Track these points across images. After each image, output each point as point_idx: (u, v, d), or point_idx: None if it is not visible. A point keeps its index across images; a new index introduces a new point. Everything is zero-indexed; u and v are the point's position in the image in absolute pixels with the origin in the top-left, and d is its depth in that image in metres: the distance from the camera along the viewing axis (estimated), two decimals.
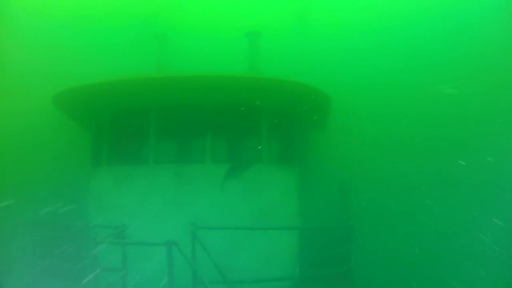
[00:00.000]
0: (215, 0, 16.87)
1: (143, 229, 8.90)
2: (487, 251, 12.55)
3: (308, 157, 12.80)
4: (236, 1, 16.77)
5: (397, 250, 12.89)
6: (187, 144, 10.37)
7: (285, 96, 10.12)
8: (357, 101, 14.61)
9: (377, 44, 16.19)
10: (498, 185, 13.16)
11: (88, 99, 10.13)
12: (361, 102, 14.74)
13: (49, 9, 16.61)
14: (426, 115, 14.57)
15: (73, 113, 11.30)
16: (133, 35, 15.65)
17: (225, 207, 9.28)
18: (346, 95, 13.82)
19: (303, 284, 9.04)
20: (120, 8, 16.74)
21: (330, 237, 9.99)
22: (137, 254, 7.72)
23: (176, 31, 15.09)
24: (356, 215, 10.87)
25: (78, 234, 9.00)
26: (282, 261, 9.49)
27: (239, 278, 8.34)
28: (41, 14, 16.57)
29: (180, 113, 9.97)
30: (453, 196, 13.70)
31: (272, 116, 10.20)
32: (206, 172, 9.57)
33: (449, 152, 14.23)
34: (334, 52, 15.28)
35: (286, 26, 16.32)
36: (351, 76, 14.89)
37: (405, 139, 14.26)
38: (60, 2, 16.81)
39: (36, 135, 13.58)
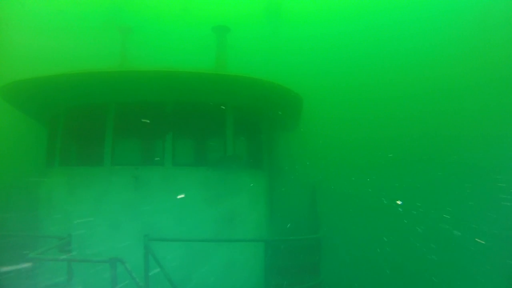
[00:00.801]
0: None
1: (95, 238, 8.27)
2: (465, 259, 12.29)
3: (278, 160, 12.21)
4: None
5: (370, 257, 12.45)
6: (146, 144, 9.65)
7: (252, 95, 9.48)
8: (330, 101, 14.14)
9: (355, 45, 15.77)
10: (475, 191, 12.90)
11: (39, 92, 9.26)
12: (334, 102, 14.28)
13: None
14: (404, 116, 14.22)
15: (23, 107, 10.38)
16: (98, 27, 14.78)
17: (186, 214, 8.59)
18: (319, 94, 13.36)
19: None
20: None
21: (299, 247, 9.37)
22: (84, 268, 6.96)
23: (143, 24, 14.30)
24: (327, 222, 10.28)
25: (20, 245, 8.15)
26: (247, 273, 8.84)
27: None
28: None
29: (139, 111, 9.20)
30: (431, 198, 13.38)
31: (238, 116, 9.50)
32: (165, 175, 8.84)
33: (426, 154, 13.92)
34: (307, 49, 14.76)
35: (256, 21, 15.68)
36: (325, 74, 14.43)
37: (382, 141, 13.87)
38: None
39: None
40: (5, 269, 6.52)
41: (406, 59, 15.57)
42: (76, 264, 6.97)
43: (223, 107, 9.25)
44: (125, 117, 9.17)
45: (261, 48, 14.84)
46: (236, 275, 8.55)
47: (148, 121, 9.12)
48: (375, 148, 14.05)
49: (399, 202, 12.90)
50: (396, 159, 13.88)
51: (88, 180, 8.90)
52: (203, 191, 8.76)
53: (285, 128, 12.27)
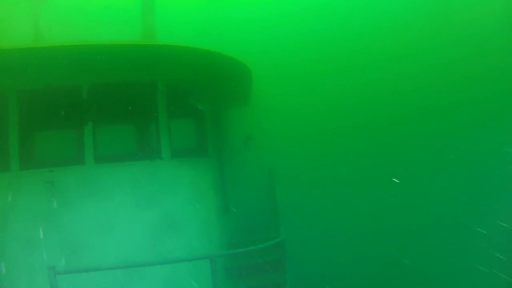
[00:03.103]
0: None
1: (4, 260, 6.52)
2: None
3: (229, 142, 10.68)
4: None
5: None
6: (60, 140, 7.86)
7: (189, 68, 7.82)
8: (288, 75, 12.67)
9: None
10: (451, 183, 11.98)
11: None
12: (292, 76, 12.81)
13: None
14: (367, 87, 12.96)
15: None
16: None
17: (115, 222, 6.96)
18: (275, 69, 11.92)
19: None
20: None
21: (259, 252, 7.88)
22: None
23: None
24: (288, 219, 8.87)
25: None
26: None
27: None
28: None
29: (48, 99, 7.35)
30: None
31: (173, 95, 7.81)
32: (87, 177, 7.12)
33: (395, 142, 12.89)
34: (250, 18, 13.09)
35: None
36: (284, 48, 12.90)
37: (348, 117, 12.59)
38: None
39: None
40: None
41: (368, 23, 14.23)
42: None
43: (153, 85, 7.56)
44: (31, 108, 7.32)
45: (203, 18, 13.04)
46: None
47: (61, 112, 7.33)
48: (339, 125, 12.73)
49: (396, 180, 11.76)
50: (364, 138, 12.70)
51: None
52: (134, 192, 7.13)
53: (234, 105, 10.71)
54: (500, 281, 10.78)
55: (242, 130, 11.32)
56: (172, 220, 7.28)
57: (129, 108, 7.62)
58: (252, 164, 10.93)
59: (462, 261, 11.59)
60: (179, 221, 7.34)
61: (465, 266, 11.41)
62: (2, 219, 6.89)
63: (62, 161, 7.41)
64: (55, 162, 7.43)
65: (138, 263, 6.45)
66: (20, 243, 6.78)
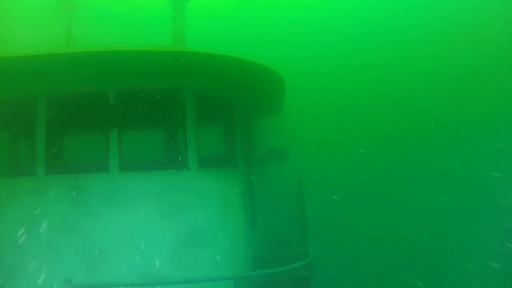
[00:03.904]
0: None
1: (26, 268, 6.50)
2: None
3: (259, 152, 10.35)
4: None
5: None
6: (86, 146, 7.71)
7: (220, 76, 7.51)
8: (322, 84, 12.31)
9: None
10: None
11: None
12: (325, 85, 12.44)
13: None
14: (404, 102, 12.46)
15: None
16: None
17: (137, 233, 6.73)
18: (308, 77, 11.58)
19: None
20: None
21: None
22: None
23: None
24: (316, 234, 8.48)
25: None
26: None
27: None
28: None
29: (76, 105, 7.22)
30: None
31: (202, 103, 7.55)
32: (111, 185, 6.92)
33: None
34: (281, 24, 12.77)
35: None
36: (318, 56, 12.56)
37: (382, 129, 12.11)
38: None
39: None
40: None
41: (400, 37, 13.80)
42: None
43: (181, 93, 7.32)
44: (58, 113, 7.22)
45: (234, 24, 12.81)
46: None
47: (88, 117, 7.18)
48: (373, 135, 12.24)
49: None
50: (398, 149, 12.20)
51: (14, 193, 6.98)
52: (158, 203, 6.88)
53: (266, 114, 10.39)
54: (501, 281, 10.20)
55: (272, 139, 10.98)
56: (197, 234, 6.98)
57: (156, 116, 7.43)
58: (281, 175, 10.57)
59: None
60: (204, 235, 7.03)
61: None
62: (26, 224, 6.78)
63: (87, 168, 7.26)
64: (80, 168, 7.28)
65: (159, 280, 6.20)
66: (41, 249, 6.65)
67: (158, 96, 7.20)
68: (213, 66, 7.21)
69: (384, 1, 14.25)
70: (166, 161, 8.28)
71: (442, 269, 11.98)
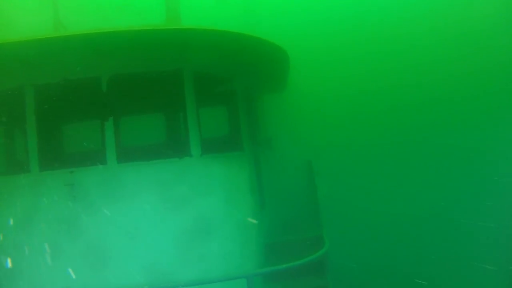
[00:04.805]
0: None
1: (24, 269, 6.14)
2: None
3: (265, 131, 9.86)
4: None
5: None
6: (80, 138, 7.23)
7: (219, 53, 6.99)
8: (329, 60, 11.80)
9: None
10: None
11: None
12: (334, 62, 11.93)
13: None
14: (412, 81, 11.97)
15: None
16: None
17: (140, 226, 6.30)
18: (313, 53, 11.10)
19: None
20: None
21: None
22: None
23: None
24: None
25: None
26: None
27: None
28: None
29: (67, 94, 6.71)
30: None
31: (202, 85, 6.99)
32: (109, 177, 6.45)
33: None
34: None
35: None
36: (328, 31, 12.01)
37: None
38: None
39: None
40: None
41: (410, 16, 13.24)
42: None
43: (179, 74, 6.79)
44: (49, 104, 6.71)
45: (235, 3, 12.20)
46: None
47: (80, 107, 6.68)
48: (383, 110, 11.74)
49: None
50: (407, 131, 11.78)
51: (6, 192, 6.54)
52: (161, 194, 6.43)
53: (270, 91, 9.88)
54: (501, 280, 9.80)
55: (279, 118, 10.47)
56: (203, 224, 6.54)
57: (153, 100, 6.90)
58: (290, 155, 10.11)
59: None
60: (211, 225, 6.60)
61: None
62: (23, 223, 6.37)
63: (83, 161, 6.79)
64: (75, 162, 6.81)
65: (167, 279, 5.81)
66: (39, 248, 6.25)
67: (154, 79, 6.68)
68: (212, 42, 6.68)
69: None
70: (167, 149, 7.80)
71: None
